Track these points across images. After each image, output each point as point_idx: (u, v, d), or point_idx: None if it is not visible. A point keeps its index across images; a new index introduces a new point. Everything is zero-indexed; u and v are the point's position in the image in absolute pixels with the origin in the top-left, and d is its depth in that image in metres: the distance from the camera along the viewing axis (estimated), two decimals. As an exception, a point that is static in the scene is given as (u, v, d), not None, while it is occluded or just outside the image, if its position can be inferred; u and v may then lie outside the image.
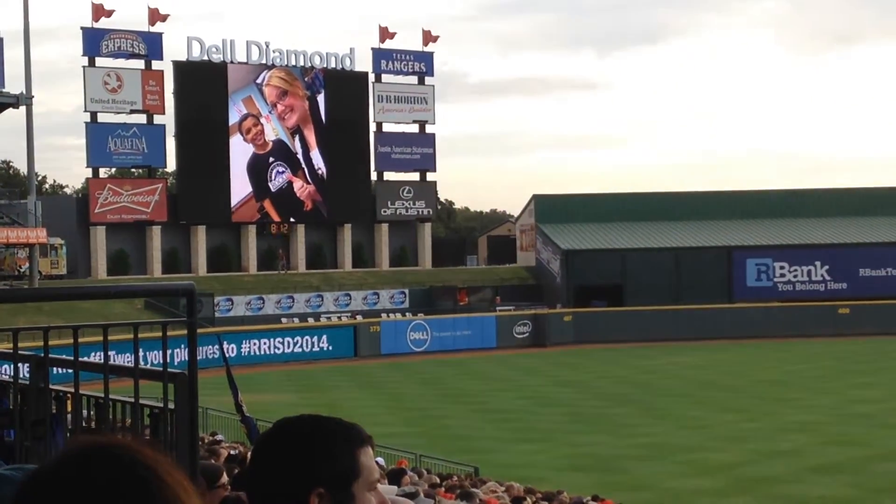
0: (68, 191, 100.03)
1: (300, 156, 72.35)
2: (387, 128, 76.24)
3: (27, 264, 56.77)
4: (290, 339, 59.07)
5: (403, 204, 75.94)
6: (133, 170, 72.92)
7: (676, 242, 72.80)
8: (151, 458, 1.88)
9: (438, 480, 18.65)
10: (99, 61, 66.34)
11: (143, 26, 67.40)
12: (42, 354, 5.50)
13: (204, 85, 68.58)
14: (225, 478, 7.26)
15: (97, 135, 66.38)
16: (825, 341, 62.78)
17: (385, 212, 75.21)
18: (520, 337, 65.51)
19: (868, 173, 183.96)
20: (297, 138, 72.32)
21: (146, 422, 5.36)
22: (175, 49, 72.94)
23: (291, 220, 72.03)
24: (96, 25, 65.88)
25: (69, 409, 5.62)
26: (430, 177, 77.99)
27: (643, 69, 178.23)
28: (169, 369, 5.08)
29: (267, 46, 70.83)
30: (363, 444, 2.68)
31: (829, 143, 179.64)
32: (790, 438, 33.49)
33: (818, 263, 72.00)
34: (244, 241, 70.97)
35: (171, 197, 68.99)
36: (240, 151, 70.20)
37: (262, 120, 71.09)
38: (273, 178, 71.26)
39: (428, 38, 77.08)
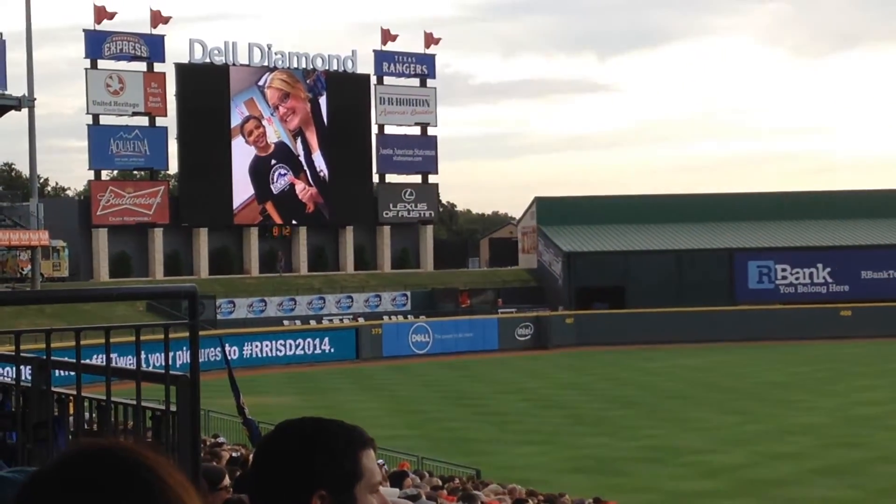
0: (70, 193, 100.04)
1: (302, 158, 72.37)
2: (389, 130, 76.25)
3: (29, 266, 56.81)
4: (291, 342, 59.09)
5: (405, 206, 75.94)
6: (135, 172, 72.94)
7: (678, 244, 72.78)
8: (153, 459, 1.88)
9: (440, 483, 18.65)
10: (101, 63, 66.38)
11: (146, 28, 67.47)
12: (44, 357, 5.50)
13: (206, 87, 68.60)
14: (227, 480, 7.26)
15: (99, 137, 66.41)
16: (827, 344, 62.73)
17: (387, 214, 75.21)
18: (522, 339, 65.50)
19: (870, 175, 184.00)
20: (298, 140, 72.34)
21: (148, 424, 5.36)
22: (177, 51, 73.11)
23: (293, 222, 72.03)
24: (98, 28, 65.93)
25: (71, 411, 5.62)
26: (431, 179, 78.00)
27: (645, 71, 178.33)
28: (171, 371, 5.08)
29: (269, 49, 70.87)
30: (365, 446, 2.68)
31: (832, 146, 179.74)
32: (793, 440, 33.49)
33: (820, 266, 71.98)
34: (246, 243, 70.97)
35: (173, 199, 69.01)
36: (242, 154, 70.22)
37: (264, 122, 71.10)
38: (275, 180, 71.27)
39: (430, 40, 77.11)
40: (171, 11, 79.36)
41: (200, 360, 5.19)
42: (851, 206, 76.31)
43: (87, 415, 5.64)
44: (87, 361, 5.54)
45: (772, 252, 72.39)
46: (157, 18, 67.61)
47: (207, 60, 68.71)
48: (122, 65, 67.01)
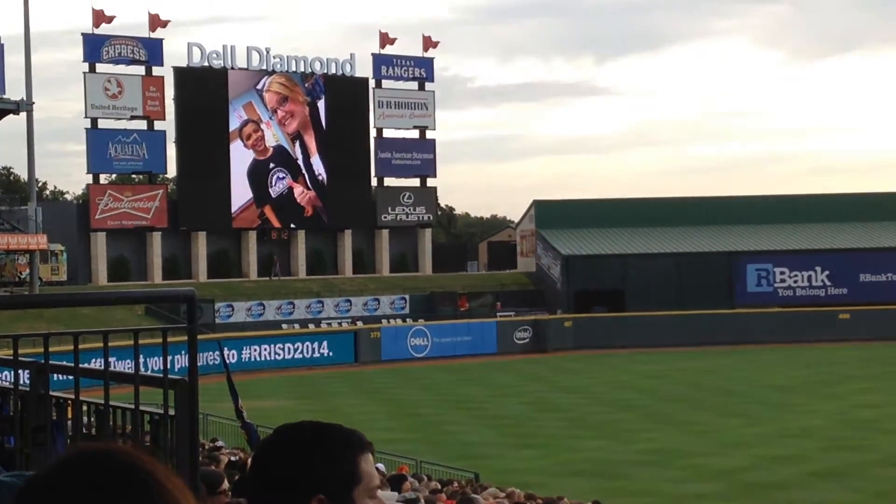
0: (69, 197, 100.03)
1: (300, 161, 72.37)
2: (387, 133, 76.28)
3: (28, 270, 56.80)
4: (290, 345, 59.09)
5: (404, 210, 75.94)
6: (133, 176, 72.93)
7: (677, 248, 72.81)
8: (150, 463, 1.88)
9: (439, 486, 18.65)
10: (99, 67, 66.38)
11: (144, 32, 67.47)
12: (42, 361, 5.49)
13: (204, 91, 68.62)
14: (226, 484, 7.25)
15: (97, 141, 66.41)
16: (826, 347, 62.75)
17: (385, 217, 75.21)
18: (520, 343, 65.51)
19: (869, 178, 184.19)
20: (297, 144, 72.35)
21: (146, 428, 5.35)
22: (175, 55, 72.96)
23: (292, 225, 72.02)
24: (97, 31, 65.92)
25: (70, 415, 5.61)
26: (430, 182, 78.00)
27: (643, 74, 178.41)
28: (169, 375, 5.07)
29: (267, 52, 70.90)
30: (363, 450, 2.68)
31: (831, 148, 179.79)
32: (792, 444, 33.48)
33: (819, 269, 72.00)
34: (244, 247, 70.96)
35: (172, 203, 69.00)
36: (240, 157, 70.22)
37: (263, 126, 71.11)
38: (273, 183, 71.28)
39: (428, 43, 77.13)
40: (169, 15, 79.59)
41: (199, 364, 5.18)
42: (850, 209, 76.35)
43: (85, 419, 5.63)
44: (86, 365, 5.53)
45: (771, 255, 72.43)
46: (156, 22, 67.63)
47: (206, 64, 68.73)
48: (121, 68, 67.01)
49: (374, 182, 75.73)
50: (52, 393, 5.56)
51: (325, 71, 72.76)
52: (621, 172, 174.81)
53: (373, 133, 75.44)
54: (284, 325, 62.63)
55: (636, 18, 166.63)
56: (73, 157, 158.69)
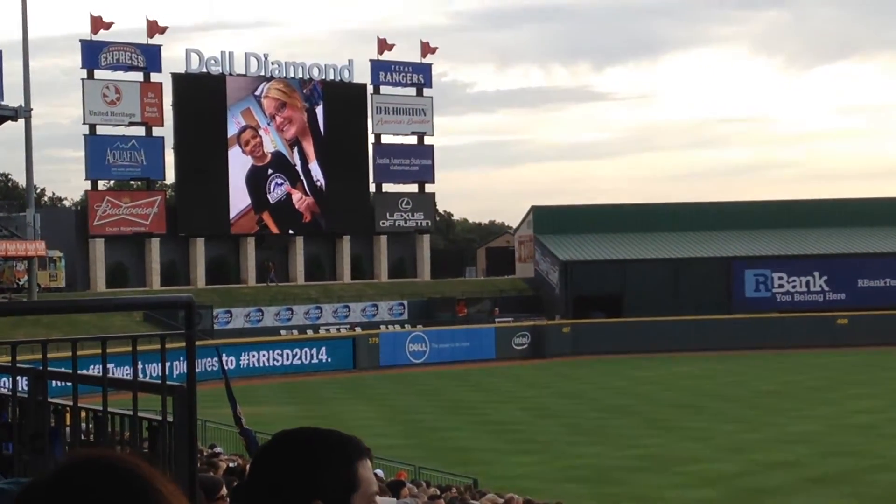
0: (67, 203, 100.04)
1: (299, 167, 72.36)
2: (385, 139, 76.27)
3: (26, 277, 56.72)
4: (288, 352, 59.06)
5: (402, 215, 75.93)
6: (132, 182, 72.83)
7: (675, 253, 72.81)
8: (148, 470, 1.89)
9: (437, 492, 18.65)
10: (98, 73, 66.36)
11: (142, 39, 67.46)
12: (41, 367, 5.50)
13: (202, 97, 68.63)
14: (224, 490, 7.26)
15: (96, 147, 66.39)
16: (824, 352, 62.77)
17: (384, 223, 75.19)
18: (519, 348, 65.48)
19: (866, 184, 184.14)
20: (295, 150, 72.35)
21: (145, 435, 5.35)
22: (174, 61, 73.00)
23: (290, 231, 71.99)
24: (95, 38, 65.91)
25: (68, 422, 5.62)
26: (428, 188, 78.01)
27: (642, 80, 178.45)
28: (168, 382, 5.08)
29: (265, 58, 70.90)
30: (362, 456, 2.69)
31: (828, 154, 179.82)
32: (789, 449, 33.49)
33: (817, 274, 72.02)
34: (243, 253, 70.94)
35: (170, 209, 68.96)
36: (238, 163, 70.20)
37: (261, 132, 71.11)
38: (272, 189, 71.26)
39: (426, 49, 77.15)
40: (167, 21, 79.64)
41: (197, 370, 5.19)
42: (848, 215, 76.40)
43: (83, 426, 5.63)
44: (84, 372, 5.54)
45: (769, 260, 72.45)
46: (154, 28, 67.64)
47: (204, 70, 68.73)
48: (119, 75, 67.00)
49: (372, 188, 75.73)
50: (50, 399, 5.57)
51: (324, 77, 72.78)
52: (619, 178, 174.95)
53: (371, 139, 75.46)
54: (283, 332, 62.58)
55: (634, 25, 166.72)
56: (72, 164, 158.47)
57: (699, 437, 36.15)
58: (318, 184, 72.76)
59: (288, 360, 58.63)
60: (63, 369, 5.63)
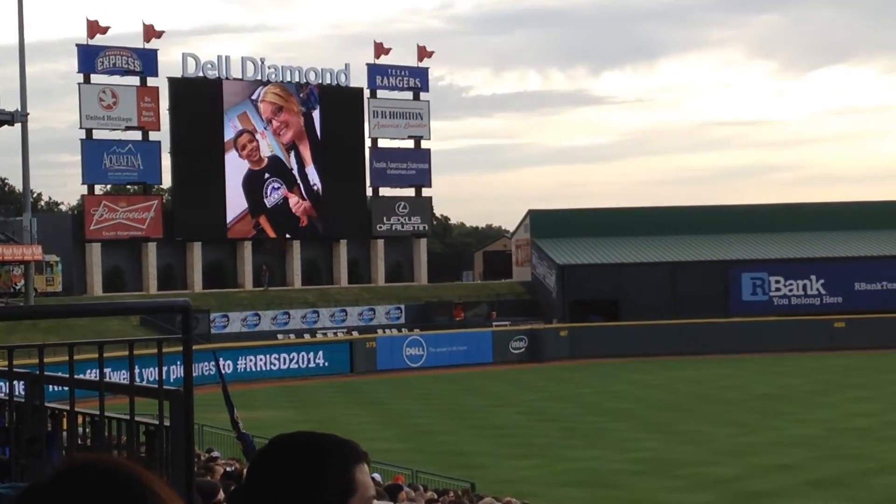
0: (63, 208, 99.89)
1: (295, 172, 72.36)
2: (382, 143, 76.28)
3: (22, 281, 56.74)
4: (285, 356, 59.05)
5: (399, 219, 75.93)
6: (128, 186, 72.77)
7: (672, 257, 72.85)
8: (145, 475, 1.88)
9: (435, 496, 18.64)
10: (94, 78, 66.34)
11: (139, 43, 67.47)
12: (37, 372, 5.49)
13: (199, 101, 68.62)
14: (221, 494, 7.25)
15: (92, 151, 66.37)
16: (820, 355, 62.80)
17: (381, 227, 75.19)
18: (516, 352, 65.48)
19: (863, 187, 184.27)
20: (292, 154, 72.34)
21: (142, 439, 5.35)
22: (170, 65, 73.08)
23: (287, 235, 71.97)
24: (91, 42, 65.91)
25: (65, 426, 5.61)
26: (425, 192, 78.00)
27: (639, 84, 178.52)
28: (164, 386, 5.07)
29: (262, 62, 70.90)
30: (359, 460, 2.68)
31: (825, 157, 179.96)
32: (787, 452, 33.49)
33: (813, 277, 72.07)
34: (240, 257, 70.93)
35: (167, 213, 68.94)
36: (235, 167, 70.19)
37: (258, 136, 71.10)
38: (268, 194, 71.25)
39: (423, 53, 77.19)
40: (164, 26, 79.50)
41: (194, 375, 5.18)
42: (845, 218, 76.45)
43: (80, 430, 5.63)
44: (81, 376, 5.53)
45: (766, 264, 72.49)
46: (150, 33, 67.65)
47: (200, 74, 68.70)
48: (116, 79, 66.99)
49: (369, 192, 75.72)
50: (47, 404, 5.56)
51: (320, 81, 72.79)
52: (616, 182, 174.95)
53: (368, 143, 75.46)
54: (280, 336, 62.57)
55: (631, 28, 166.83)
56: (68, 168, 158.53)
57: (697, 441, 36.15)
58: (315, 188, 72.76)
59: (285, 364, 58.62)
60: (60, 373, 5.62)
